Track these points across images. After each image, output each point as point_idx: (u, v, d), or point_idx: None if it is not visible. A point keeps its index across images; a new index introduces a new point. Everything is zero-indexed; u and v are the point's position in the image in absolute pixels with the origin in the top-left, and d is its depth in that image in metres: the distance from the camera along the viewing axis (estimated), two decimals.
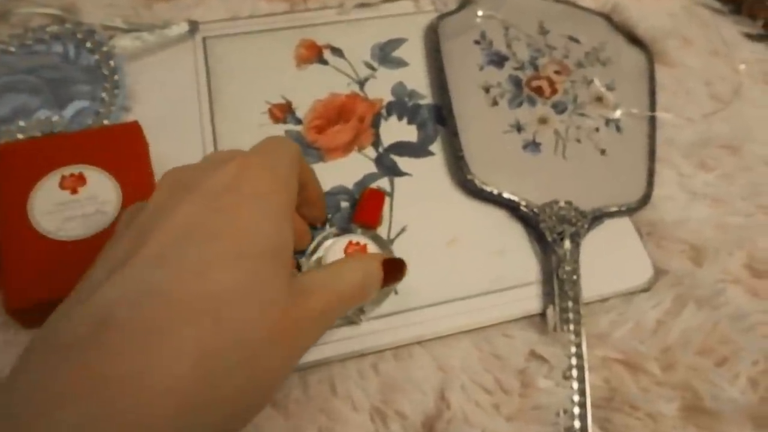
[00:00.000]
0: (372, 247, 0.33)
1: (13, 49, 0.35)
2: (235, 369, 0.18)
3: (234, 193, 0.20)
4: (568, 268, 0.34)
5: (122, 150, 0.31)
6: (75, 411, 0.16)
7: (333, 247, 0.32)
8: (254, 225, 0.20)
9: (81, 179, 0.30)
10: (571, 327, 0.33)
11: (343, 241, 0.32)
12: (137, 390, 0.16)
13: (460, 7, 0.45)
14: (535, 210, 0.36)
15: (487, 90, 0.41)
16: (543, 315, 0.33)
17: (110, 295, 0.17)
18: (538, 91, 0.42)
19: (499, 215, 0.37)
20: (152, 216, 0.20)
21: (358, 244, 0.32)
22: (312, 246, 0.33)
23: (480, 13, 0.45)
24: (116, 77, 0.35)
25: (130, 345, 0.17)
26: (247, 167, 0.21)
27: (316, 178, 0.30)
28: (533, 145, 0.39)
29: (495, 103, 0.40)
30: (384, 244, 0.34)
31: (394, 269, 0.28)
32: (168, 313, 0.17)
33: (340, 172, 0.36)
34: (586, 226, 0.36)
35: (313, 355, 0.31)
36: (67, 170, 0.30)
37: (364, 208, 0.34)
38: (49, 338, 0.18)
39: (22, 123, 0.31)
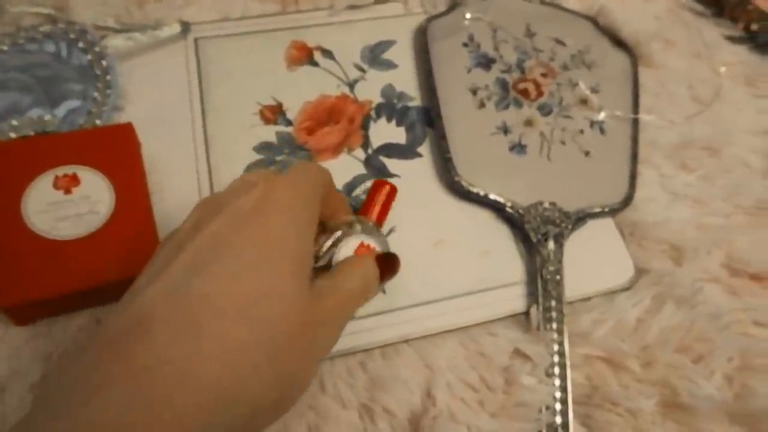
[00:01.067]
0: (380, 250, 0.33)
1: (5, 47, 0.35)
2: (260, 365, 0.20)
3: (260, 209, 0.22)
4: (551, 268, 0.35)
5: (116, 151, 0.32)
6: (114, 396, 0.17)
7: (343, 248, 0.32)
8: (277, 235, 0.22)
9: (74, 179, 0.30)
10: (554, 326, 0.33)
11: (354, 242, 0.32)
12: (172, 378, 0.18)
13: (449, 10, 0.46)
14: (521, 211, 0.37)
15: (474, 92, 0.42)
16: (527, 314, 0.34)
17: (150, 297, 0.20)
18: (525, 93, 0.42)
19: (486, 216, 0.38)
20: (186, 233, 0.22)
21: (368, 247, 0.32)
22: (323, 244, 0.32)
23: (468, 15, 0.46)
24: (108, 77, 0.35)
25: (166, 338, 0.19)
26: (273, 187, 0.23)
27: (347, 205, 0.33)
28: (519, 147, 0.40)
29: (482, 105, 0.41)
30: (385, 244, 0.34)
31: (388, 264, 0.29)
32: (199, 311, 0.19)
33: None
34: (569, 226, 0.37)
35: None
36: (61, 170, 0.30)
37: (375, 204, 0.33)
38: (98, 333, 0.20)
39: (14, 122, 0.32)
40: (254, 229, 0.21)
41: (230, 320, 0.19)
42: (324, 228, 0.31)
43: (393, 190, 0.33)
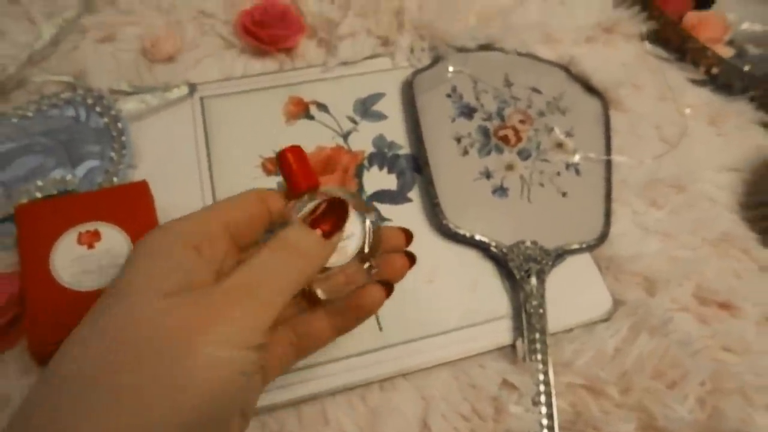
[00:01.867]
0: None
1: (30, 114, 0.38)
2: (146, 372, 0.21)
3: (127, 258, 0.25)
4: (534, 303, 0.38)
5: (132, 207, 0.35)
6: None
7: None
8: (134, 270, 0.24)
9: (96, 235, 0.33)
10: (539, 357, 0.36)
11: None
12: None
13: (433, 63, 0.50)
14: (504, 250, 0.40)
15: (458, 140, 0.45)
16: (513, 346, 0.37)
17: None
18: (505, 139, 0.46)
19: (472, 255, 0.41)
20: None
21: None
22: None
23: (450, 68, 0.49)
24: (123, 138, 0.39)
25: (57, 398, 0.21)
26: (147, 234, 0.26)
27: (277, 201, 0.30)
28: (501, 190, 0.43)
29: (466, 152, 0.44)
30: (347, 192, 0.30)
31: (326, 213, 0.27)
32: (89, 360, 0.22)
33: None
34: (550, 263, 0.40)
35: (306, 389, 0.34)
36: (84, 227, 0.33)
37: (295, 174, 0.29)
38: None
39: (39, 182, 0.35)
40: (121, 272, 0.24)
41: (116, 352, 0.21)
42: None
43: (298, 150, 0.29)
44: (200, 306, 0.23)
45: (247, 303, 0.23)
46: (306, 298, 0.31)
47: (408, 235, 0.33)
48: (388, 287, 0.30)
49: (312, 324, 0.30)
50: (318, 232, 0.26)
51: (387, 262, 0.31)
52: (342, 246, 0.28)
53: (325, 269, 0.28)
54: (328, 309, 0.30)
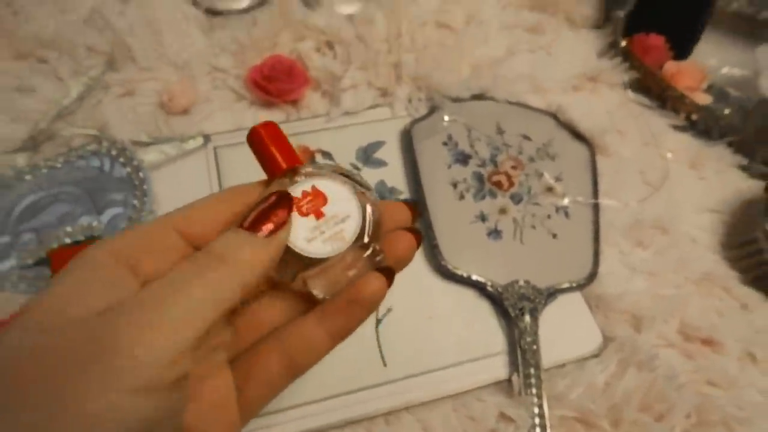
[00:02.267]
0: (332, 185, 0.25)
1: (59, 165, 0.41)
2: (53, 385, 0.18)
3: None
4: (528, 339, 0.40)
5: None
6: None
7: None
8: (50, 285, 0.21)
9: None
10: (534, 391, 0.38)
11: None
12: None
13: (429, 113, 0.53)
14: (499, 289, 0.42)
15: (454, 185, 0.48)
16: (510, 381, 0.39)
17: None
18: (498, 184, 0.49)
19: (470, 294, 0.43)
20: None
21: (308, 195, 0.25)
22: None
23: (446, 117, 0.53)
24: (145, 186, 0.42)
25: None
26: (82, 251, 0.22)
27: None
28: (495, 233, 0.46)
29: (462, 197, 0.47)
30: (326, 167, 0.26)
31: (271, 210, 0.23)
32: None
33: None
34: (543, 301, 0.42)
35: (315, 422, 0.36)
36: None
37: (277, 149, 0.26)
38: None
39: (68, 228, 0.38)
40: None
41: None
42: None
43: (272, 125, 0.26)
44: (86, 335, 0.18)
45: (139, 330, 0.19)
46: (304, 299, 0.25)
47: (413, 209, 0.27)
48: (389, 274, 0.24)
49: (303, 334, 0.24)
50: (258, 234, 0.22)
51: (390, 243, 0.25)
52: (338, 231, 0.24)
53: (320, 261, 0.24)
54: (321, 313, 0.24)
